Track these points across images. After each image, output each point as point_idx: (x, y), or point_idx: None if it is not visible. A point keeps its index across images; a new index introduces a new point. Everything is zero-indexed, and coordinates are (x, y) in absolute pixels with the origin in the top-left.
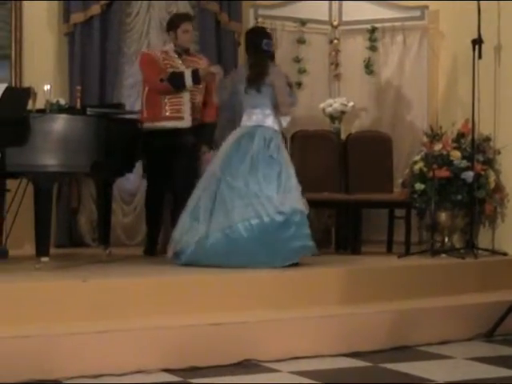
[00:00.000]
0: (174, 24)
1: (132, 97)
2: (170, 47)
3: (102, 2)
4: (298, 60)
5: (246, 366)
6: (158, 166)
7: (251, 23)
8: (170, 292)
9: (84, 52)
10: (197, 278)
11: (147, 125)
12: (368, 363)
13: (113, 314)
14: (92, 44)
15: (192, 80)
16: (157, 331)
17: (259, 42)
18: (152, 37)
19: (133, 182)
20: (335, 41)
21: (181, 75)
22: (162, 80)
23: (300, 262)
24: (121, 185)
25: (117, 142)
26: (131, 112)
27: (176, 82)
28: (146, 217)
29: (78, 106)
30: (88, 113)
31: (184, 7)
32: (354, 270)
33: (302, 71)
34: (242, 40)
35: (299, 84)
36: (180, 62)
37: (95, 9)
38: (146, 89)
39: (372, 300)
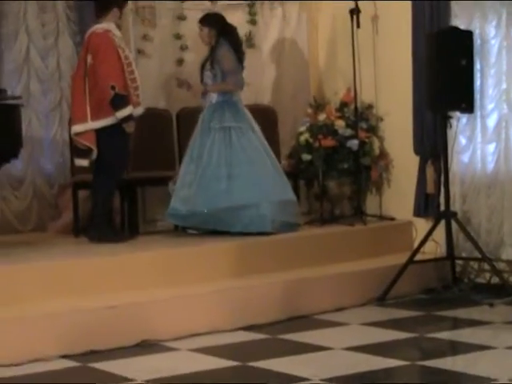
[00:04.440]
0: (120, 1)
1: (13, 81)
2: (112, 27)
3: None
4: (179, 37)
5: (145, 346)
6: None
7: (130, 2)
8: (62, 276)
9: None
10: (87, 260)
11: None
12: (266, 335)
13: (3, 301)
14: None
15: (125, 120)
16: (51, 317)
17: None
18: (29, 19)
19: (19, 168)
20: None
21: (125, 101)
22: (113, 88)
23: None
24: (8, 171)
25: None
26: (13, 97)
27: (117, 105)
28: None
29: None
30: None
31: None
32: (244, 243)
33: (183, 48)
34: (122, 19)
35: (181, 61)
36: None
37: None
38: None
39: (264, 271)
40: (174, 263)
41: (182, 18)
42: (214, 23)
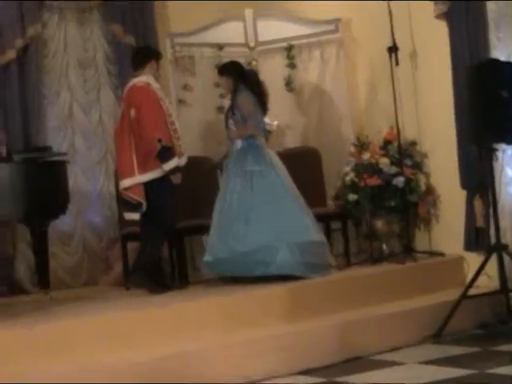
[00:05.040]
0: (157, 54)
1: (57, 138)
2: (151, 80)
3: (18, 46)
4: (218, 85)
5: None
6: None
7: (169, 53)
8: (116, 329)
9: (4, 97)
10: (140, 313)
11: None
12: (322, 379)
13: (60, 357)
14: (11, 88)
15: (172, 171)
16: (107, 369)
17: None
18: (71, 76)
19: (68, 223)
20: (254, 62)
21: (171, 153)
22: (159, 141)
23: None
24: (56, 227)
25: (47, 185)
26: (59, 154)
27: (164, 157)
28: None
29: (5, 153)
30: (15, 159)
31: (100, 44)
32: (296, 287)
33: (223, 96)
34: (162, 70)
35: (221, 108)
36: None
37: (11, 53)
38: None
39: (319, 314)
40: (226, 310)
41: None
42: (232, 71)
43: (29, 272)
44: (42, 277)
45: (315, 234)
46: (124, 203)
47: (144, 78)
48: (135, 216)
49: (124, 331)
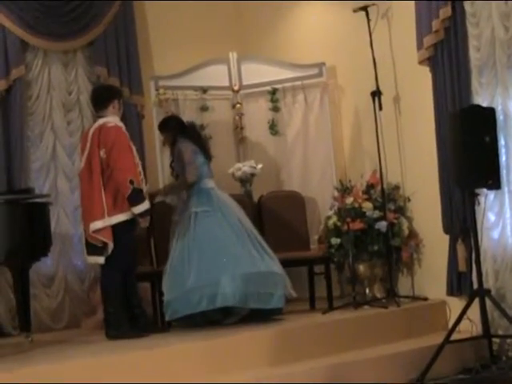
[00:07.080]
0: (119, 92)
1: (40, 179)
2: (117, 120)
3: (1, 88)
4: (202, 127)
5: None
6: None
7: (153, 95)
8: (97, 374)
9: None
10: (125, 356)
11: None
12: None
13: None
14: None
15: (142, 215)
16: None
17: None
18: (55, 118)
19: (50, 265)
20: (238, 105)
21: (142, 196)
22: (131, 182)
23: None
24: (38, 269)
25: (29, 227)
26: (41, 196)
27: (135, 200)
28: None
29: None
30: None
31: (84, 85)
32: (282, 330)
33: (207, 138)
34: (146, 112)
35: None
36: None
37: None
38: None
39: (303, 358)
40: (210, 353)
41: (204, 108)
42: (171, 127)
43: (9, 314)
44: (23, 319)
45: (262, 265)
46: (88, 246)
47: (111, 119)
48: (101, 260)
49: (104, 375)
